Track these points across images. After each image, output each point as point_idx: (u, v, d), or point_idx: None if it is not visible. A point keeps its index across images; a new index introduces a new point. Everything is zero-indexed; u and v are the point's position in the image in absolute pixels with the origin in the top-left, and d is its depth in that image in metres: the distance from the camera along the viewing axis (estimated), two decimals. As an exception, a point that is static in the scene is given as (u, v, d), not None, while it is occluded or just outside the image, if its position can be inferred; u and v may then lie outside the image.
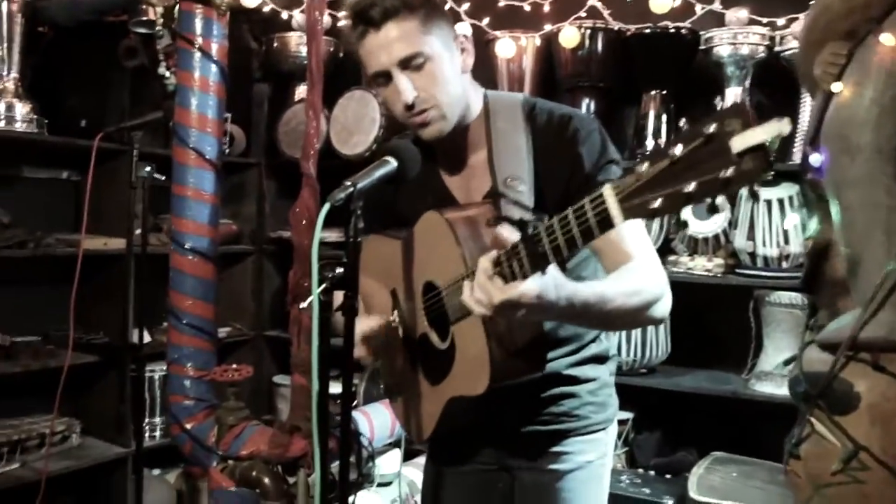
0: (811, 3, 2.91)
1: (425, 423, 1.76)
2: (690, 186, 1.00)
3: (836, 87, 1.21)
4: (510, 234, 1.35)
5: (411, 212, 1.74)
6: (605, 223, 1.14)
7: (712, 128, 0.98)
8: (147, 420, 3.69)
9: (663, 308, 1.57)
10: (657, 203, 1.04)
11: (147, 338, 3.60)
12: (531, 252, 1.28)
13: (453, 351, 1.60)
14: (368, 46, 1.61)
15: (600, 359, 1.81)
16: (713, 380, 3.21)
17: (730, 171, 0.96)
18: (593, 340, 1.79)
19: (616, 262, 1.57)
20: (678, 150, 1.01)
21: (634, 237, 1.58)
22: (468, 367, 1.55)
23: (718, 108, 3.25)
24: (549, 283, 1.33)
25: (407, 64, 1.59)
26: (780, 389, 2.98)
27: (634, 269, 1.55)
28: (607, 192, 1.12)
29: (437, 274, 1.62)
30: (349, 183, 1.43)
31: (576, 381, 1.76)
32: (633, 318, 1.55)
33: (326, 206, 1.38)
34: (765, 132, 0.94)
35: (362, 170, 1.51)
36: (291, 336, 2.83)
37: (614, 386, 1.87)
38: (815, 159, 1.16)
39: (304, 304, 1.46)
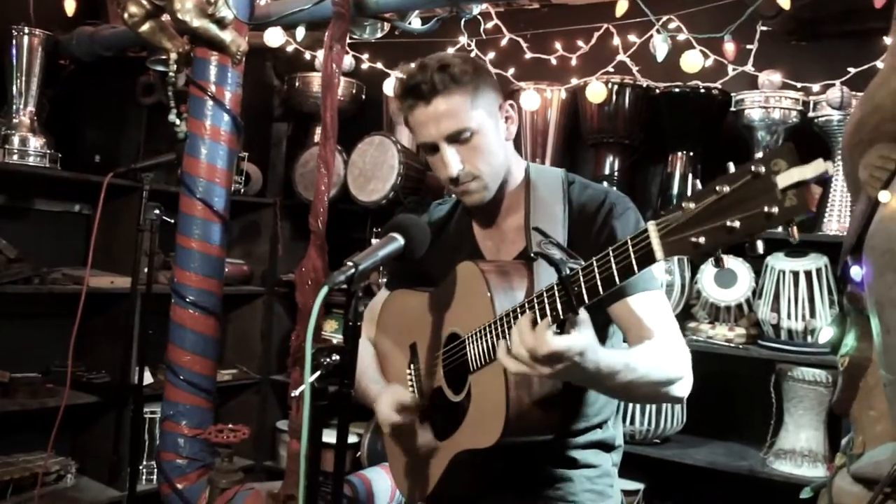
0: (848, 69, 2.91)
1: (427, 481, 1.72)
2: (734, 222, 1.02)
3: (883, 196, 1.11)
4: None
5: (442, 268, 1.74)
6: (646, 259, 1.16)
7: (760, 167, 1.00)
8: (144, 462, 3.61)
9: (683, 388, 1.55)
10: (700, 239, 1.05)
11: (149, 378, 3.53)
12: (566, 293, 1.28)
13: (467, 403, 1.59)
14: (418, 118, 1.67)
15: (605, 446, 1.76)
16: (730, 454, 3.10)
17: (774, 208, 0.98)
18: (600, 426, 1.74)
19: (640, 338, 1.56)
20: (725, 187, 1.03)
21: (659, 315, 1.58)
22: (481, 418, 1.54)
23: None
24: (591, 342, 1.32)
25: (455, 138, 1.64)
26: (799, 469, 2.89)
27: (657, 345, 1.53)
28: (651, 227, 1.13)
29: (463, 324, 1.61)
30: (350, 263, 1.40)
31: (575, 464, 1.70)
32: (652, 391, 1.52)
33: (324, 290, 1.32)
34: (810, 170, 0.96)
35: (365, 248, 1.48)
36: (290, 401, 2.73)
37: (618, 476, 1.80)
38: (856, 273, 1.06)
39: (295, 393, 1.38)
